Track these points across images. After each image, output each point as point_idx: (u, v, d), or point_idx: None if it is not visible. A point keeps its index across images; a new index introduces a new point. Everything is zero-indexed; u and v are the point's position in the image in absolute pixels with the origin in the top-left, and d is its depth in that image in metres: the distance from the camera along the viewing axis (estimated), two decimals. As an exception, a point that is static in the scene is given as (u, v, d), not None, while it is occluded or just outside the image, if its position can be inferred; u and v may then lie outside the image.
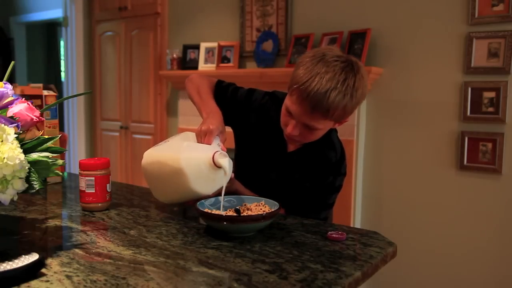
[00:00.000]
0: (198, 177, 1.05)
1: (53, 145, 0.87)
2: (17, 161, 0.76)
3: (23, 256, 0.74)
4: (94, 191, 1.15)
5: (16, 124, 0.83)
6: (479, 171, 2.30)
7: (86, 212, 1.16)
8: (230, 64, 3.14)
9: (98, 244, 0.91)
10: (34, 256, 0.74)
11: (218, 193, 1.11)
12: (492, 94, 2.24)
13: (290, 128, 1.18)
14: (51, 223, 1.07)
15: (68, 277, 0.74)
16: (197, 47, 3.33)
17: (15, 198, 0.80)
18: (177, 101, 3.49)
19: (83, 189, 1.15)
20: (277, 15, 2.97)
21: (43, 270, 0.76)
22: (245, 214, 1.03)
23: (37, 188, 0.81)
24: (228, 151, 1.12)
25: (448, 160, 2.39)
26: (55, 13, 4.82)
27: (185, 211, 1.21)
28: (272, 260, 0.83)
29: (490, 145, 2.26)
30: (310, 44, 2.74)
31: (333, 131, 1.30)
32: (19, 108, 0.88)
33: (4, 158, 0.75)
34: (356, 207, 2.64)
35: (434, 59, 2.40)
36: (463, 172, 2.34)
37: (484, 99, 2.26)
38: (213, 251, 0.87)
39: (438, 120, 2.40)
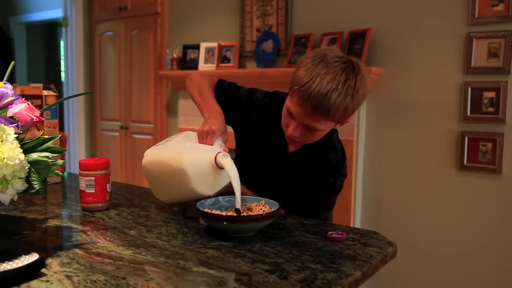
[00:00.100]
0: (200, 177, 1.05)
1: (53, 145, 0.87)
2: (17, 161, 0.76)
3: (23, 256, 0.74)
4: (94, 191, 1.15)
5: (16, 124, 0.83)
6: (479, 171, 2.30)
7: (86, 212, 1.16)
8: (230, 64, 3.14)
9: (98, 244, 0.91)
10: (34, 256, 0.74)
11: (218, 193, 1.11)
12: (492, 94, 2.24)
13: (291, 129, 1.18)
14: (51, 223, 1.07)
15: (68, 277, 0.74)
16: (197, 47, 3.33)
17: (15, 198, 0.80)
18: (177, 101, 3.49)
19: (83, 189, 1.15)
20: (277, 15, 2.97)
21: (43, 270, 0.76)
22: (245, 214, 1.03)
23: (37, 188, 0.81)
24: (229, 151, 1.12)
25: (448, 160, 2.39)
26: (55, 13, 4.82)
27: (185, 211, 1.21)
28: (272, 260, 0.83)
29: (490, 145, 2.26)
30: (310, 44, 2.74)
31: (333, 132, 1.30)
32: (19, 108, 0.88)
33: (4, 158, 0.75)
34: (356, 207, 2.64)
35: (434, 59, 2.40)
36: (463, 172, 2.35)
37: (484, 99, 2.26)
38: (213, 251, 0.87)
39: (438, 120, 2.40)
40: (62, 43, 5.50)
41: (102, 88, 4.18)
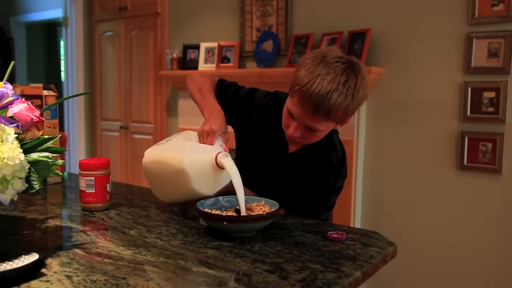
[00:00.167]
0: (201, 177, 1.05)
1: (53, 145, 0.87)
2: (17, 161, 0.76)
3: (23, 256, 0.74)
4: (94, 191, 1.15)
5: (16, 124, 0.83)
6: (479, 171, 2.30)
7: (86, 212, 1.16)
8: (230, 64, 3.14)
9: (98, 244, 0.91)
10: (34, 256, 0.74)
11: (219, 193, 1.11)
12: (492, 94, 2.24)
13: (291, 130, 1.18)
14: (51, 223, 1.07)
15: (68, 277, 0.74)
16: (197, 47, 3.33)
17: (15, 198, 0.80)
18: (177, 101, 3.49)
19: (83, 189, 1.15)
20: (277, 15, 2.97)
21: (43, 270, 0.76)
22: (245, 214, 1.03)
23: (37, 188, 0.81)
24: (230, 151, 1.12)
25: (448, 160, 2.39)
26: (55, 13, 4.82)
27: (185, 211, 1.21)
28: (272, 260, 0.83)
29: (490, 145, 2.26)
30: (310, 44, 2.74)
31: (334, 133, 1.29)
32: (19, 108, 0.88)
33: (4, 158, 0.75)
34: (356, 207, 2.64)
35: (434, 59, 2.40)
36: (463, 172, 2.35)
37: (484, 99, 2.26)
38: (213, 251, 0.87)
39: (438, 120, 2.41)
40: (62, 43, 5.50)
41: (102, 88, 4.18)
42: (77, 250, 0.87)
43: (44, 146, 0.86)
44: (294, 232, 1.01)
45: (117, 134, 4.04)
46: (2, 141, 0.77)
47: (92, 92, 4.23)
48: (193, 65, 3.32)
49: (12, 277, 0.71)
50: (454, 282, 2.40)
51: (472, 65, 2.28)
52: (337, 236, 0.96)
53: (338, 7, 2.71)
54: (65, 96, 3.70)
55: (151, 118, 3.74)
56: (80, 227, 1.04)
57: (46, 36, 6.38)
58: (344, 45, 2.61)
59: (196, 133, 1.16)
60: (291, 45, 2.83)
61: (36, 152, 0.84)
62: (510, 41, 2.18)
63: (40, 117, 0.91)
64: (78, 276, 0.74)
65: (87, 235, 0.97)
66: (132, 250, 0.87)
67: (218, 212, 1.05)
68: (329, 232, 0.98)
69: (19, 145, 0.80)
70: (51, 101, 1.48)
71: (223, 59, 3.18)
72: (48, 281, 0.72)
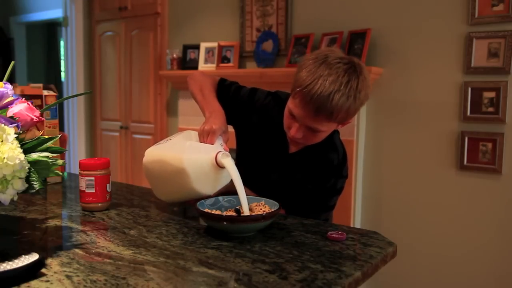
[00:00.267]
0: (201, 177, 1.05)
1: (53, 145, 0.87)
2: (17, 161, 0.76)
3: (23, 256, 0.74)
4: (94, 191, 1.15)
5: (16, 124, 0.83)
6: (479, 171, 2.30)
7: (86, 212, 1.16)
8: (230, 64, 3.14)
9: (98, 244, 0.91)
10: (34, 256, 0.74)
11: (219, 193, 1.11)
12: (492, 94, 2.24)
13: (293, 131, 1.18)
14: (51, 223, 1.07)
15: (68, 277, 0.74)
16: (197, 47, 3.33)
17: (15, 198, 0.80)
18: (177, 101, 3.49)
19: (83, 189, 1.15)
20: (277, 15, 2.97)
21: (43, 270, 0.76)
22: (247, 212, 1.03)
23: (37, 188, 0.81)
24: (230, 151, 1.12)
25: (448, 160, 2.39)
26: (55, 13, 4.82)
27: (185, 211, 1.21)
28: (272, 260, 0.83)
29: (490, 145, 2.26)
30: (310, 44, 2.74)
31: (335, 133, 1.29)
32: (19, 108, 0.88)
33: (4, 158, 0.75)
34: (356, 207, 2.64)
35: (434, 59, 2.40)
36: (463, 172, 2.34)
37: (484, 99, 2.26)
38: (213, 251, 0.87)
39: (438, 120, 2.40)
40: (62, 43, 5.50)
41: (102, 88, 4.18)
42: (77, 250, 0.87)
43: (44, 146, 0.86)
44: (294, 232, 1.01)
45: (117, 134, 4.04)
46: (2, 141, 0.77)
47: (92, 92, 4.23)
48: (193, 65, 3.32)
49: (12, 277, 0.71)
50: (454, 282, 2.40)
51: (472, 65, 2.28)
52: (337, 236, 0.96)
53: (338, 7, 2.71)
54: (65, 96, 3.70)
55: (151, 118, 3.74)
56: (80, 227, 1.04)
57: (46, 36, 6.38)
58: (344, 45, 2.61)
59: (196, 132, 1.16)
60: (291, 45, 2.83)
61: (36, 152, 0.84)
62: (510, 41, 2.18)
63: (40, 117, 0.91)
64: (78, 276, 0.74)
65: (87, 235, 0.97)
66: (132, 250, 0.87)
67: (218, 212, 1.05)
68: (329, 232, 0.98)
69: (19, 145, 0.80)
70: (51, 101, 1.48)
71: (223, 59, 3.18)
72: (48, 281, 0.72)
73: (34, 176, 0.81)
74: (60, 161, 0.85)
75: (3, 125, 0.79)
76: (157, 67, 3.66)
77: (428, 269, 2.47)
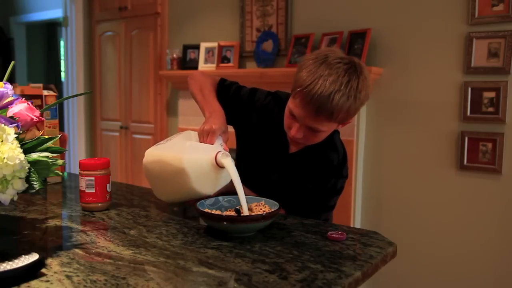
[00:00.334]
0: (200, 177, 1.05)
1: (53, 145, 0.87)
2: (17, 161, 0.76)
3: (23, 256, 0.74)
4: (94, 191, 1.15)
5: (16, 124, 0.83)
6: (479, 171, 2.30)
7: (86, 212, 1.16)
8: (230, 64, 3.14)
9: (98, 244, 0.91)
10: (34, 256, 0.74)
11: (219, 193, 1.11)
12: (492, 94, 2.24)
13: (294, 131, 1.18)
14: (51, 223, 1.07)
15: (68, 277, 0.74)
16: (197, 47, 3.33)
17: (15, 198, 0.80)
18: (177, 101, 3.49)
19: (83, 189, 1.15)
20: (277, 15, 2.97)
21: (43, 270, 0.76)
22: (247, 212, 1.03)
23: (37, 188, 0.81)
24: (230, 151, 1.12)
25: (448, 160, 2.39)
26: (55, 13, 4.82)
27: (185, 211, 1.21)
28: (272, 260, 0.83)
29: (490, 145, 2.26)
30: (310, 44, 2.74)
31: (335, 133, 1.29)
32: (19, 108, 0.88)
33: (4, 158, 0.75)
34: (356, 207, 2.64)
35: (434, 59, 2.40)
36: (463, 172, 2.35)
37: (484, 99, 2.26)
38: (213, 251, 0.87)
39: (438, 120, 2.40)
40: (62, 43, 5.50)
41: (102, 88, 4.18)
42: (77, 250, 0.87)
43: (44, 146, 0.86)
44: (294, 232, 1.01)
45: (117, 134, 4.04)
46: (2, 141, 0.77)
47: (92, 92, 4.23)
48: (193, 65, 3.32)
49: (12, 277, 0.71)
50: (454, 282, 2.40)
51: (472, 65, 2.28)
52: (337, 236, 0.96)
53: (338, 7, 2.71)
54: (65, 96, 3.70)
55: (151, 118, 3.74)
56: (80, 227, 1.04)
57: (46, 36, 6.38)
58: (344, 45, 2.61)
59: (196, 133, 1.16)
60: (291, 45, 2.83)
61: (36, 152, 0.84)
62: (510, 41, 2.18)
63: (40, 117, 0.91)
64: (78, 276, 0.74)
65: (87, 235, 0.97)
66: (132, 250, 0.87)
67: (218, 212, 1.05)
68: (329, 232, 0.98)
69: (19, 145, 0.80)
70: (51, 101, 1.48)
71: (223, 59, 3.18)
72: (48, 281, 0.72)
73: (34, 176, 0.81)
74: (60, 161, 0.85)
75: (3, 125, 0.79)
76: (157, 67, 3.66)
77: (428, 269, 2.47)
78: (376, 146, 2.62)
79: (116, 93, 4.03)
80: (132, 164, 3.90)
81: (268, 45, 2.96)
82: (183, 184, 1.06)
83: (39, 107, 1.37)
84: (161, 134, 3.67)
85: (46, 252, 0.86)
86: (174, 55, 3.41)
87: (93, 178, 1.15)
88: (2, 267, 0.70)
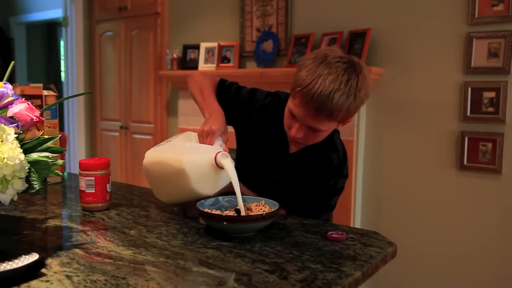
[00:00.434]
0: (200, 178, 1.05)
1: (53, 145, 0.87)
2: (17, 161, 0.76)
3: (23, 256, 0.74)
4: (94, 191, 1.15)
5: (16, 124, 0.83)
6: (479, 171, 2.30)
7: (86, 212, 1.16)
8: (230, 64, 3.14)
9: (98, 244, 0.91)
10: (34, 256, 0.74)
11: (219, 193, 1.11)
12: (492, 94, 2.24)
13: (294, 131, 1.18)
14: (51, 223, 1.07)
15: (68, 277, 0.74)
16: (197, 47, 3.33)
17: (15, 198, 0.80)
18: (177, 101, 3.49)
19: (83, 189, 1.15)
20: (277, 15, 2.97)
21: (43, 270, 0.76)
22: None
23: (37, 188, 0.81)
24: (230, 151, 1.12)
25: (448, 160, 2.39)
26: (55, 13, 4.82)
27: (185, 211, 1.21)
28: (272, 260, 0.83)
29: (490, 145, 2.26)
30: (310, 44, 2.74)
31: (335, 133, 1.29)
32: (19, 108, 0.88)
33: (4, 158, 0.75)
34: (356, 207, 2.64)
35: (434, 59, 2.40)
36: (463, 172, 2.34)
37: (484, 99, 2.26)
38: (213, 251, 0.87)
39: (438, 120, 2.40)
40: (62, 43, 5.50)
41: (102, 88, 4.18)
42: (77, 250, 0.87)
43: (44, 146, 0.86)
44: (294, 232, 1.01)
45: (117, 134, 4.04)
46: (2, 141, 0.77)
47: (92, 92, 4.23)
48: (193, 65, 3.32)
49: (12, 277, 0.71)
50: (454, 282, 2.40)
51: (472, 65, 2.28)
52: (337, 236, 0.96)
53: (338, 7, 2.71)
54: (65, 96, 3.70)
55: (151, 118, 3.74)
56: (80, 227, 1.04)
57: (46, 36, 6.38)
58: (344, 45, 2.61)
59: (196, 133, 1.16)
60: (291, 45, 2.83)
61: (36, 152, 0.84)
62: (510, 41, 2.18)
63: (40, 117, 0.91)
64: (78, 276, 0.74)
65: (87, 235, 0.97)
66: (132, 250, 0.87)
67: (218, 212, 1.05)
68: (329, 232, 0.98)
69: (19, 145, 0.80)
70: (51, 101, 1.48)
71: (223, 59, 3.18)
72: (48, 281, 0.72)
73: (34, 176, 0.81)
74: (60, 161, 0.85)
75: (3, 125, 0.79)
76: (157, 67, 3.66)
77: (428, 269, 2.47)
78: (376, 146, 2.62)
79: (116, 93, 4.03)
80: (132, 164, 3.90)
81: (268, 45, 2.96)
82: (183, 185, 1.06)
83: (39, 107, 1.37)
84: (161, 134, 3.67)
85: (46, 252, 0.86)
86: (174, 55, 3.41)
87: (93, 178, 1.15)
88: (2, 267, 0.70)
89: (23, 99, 0.91)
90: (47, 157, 0.84)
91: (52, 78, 6.27)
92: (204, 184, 1.07)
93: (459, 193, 2.36)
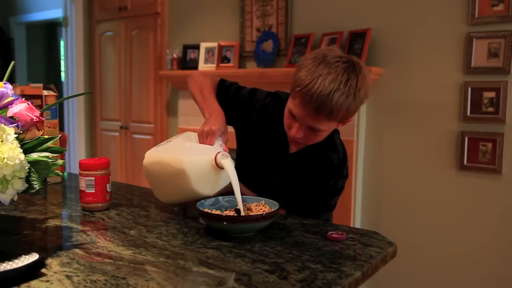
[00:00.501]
0: (200, 178, 1.05)
1: (53, 145, 0.87)
2: (17, 161, 0.76)
3: (23, 256, 0.74)
4: (94, 191, 1.15)
5: (16, 124, 0.83)
6: (479, 171, 2.30)
7: (86, 212, 1.16)
8: (230, 64, 3.14)
9: (98, 244, 0.91)
10: (34, 256, 0.74)
11: (219, 194, 1.11)
12: (492, 94, 2.24)
13: (294, 131, 1.18)
14: (51, 223, 1.07)
15: (68, 277, 0.74)
16: (197, 47, 3.33)
17: (15, 198, 0.80)
18: (177, 101, 3.49)
19: (83, 189, 1.15)
20: (277, 15, 2.97)
21: (43, 270, 0.76)
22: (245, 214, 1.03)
23: (37, 188, 0.81)
24: (230, 151, 1.12)
25: (448, 160, 2.39)
26: (55, 13, 4.82)
27: (185, 211, 1.21)
28: (272, 260, 0.83)
29: (490, 145, 2.26)
30: (310, 44, 2.74)
31: (335, 133, 1.30)
32: (19, 108, 0.88)
33: (4, 158, 0.75)
34: (356, 207, 2.64)
35: (434, 59, 2.40)
36: (463, 172, 2.34)
37: (484, 99, 2.26)
38: (213, 251, 0.87)
39: (438, 120, 2.40)
40: (62, 43, 5.50)
41: (102, 88, 4.18)
42: (77, 250, 0.87)
43: (44, 146, 0.86)
44: (294, 232, 1.01)
45: (117, 134, 4.04)
46: (2, 141, 0.77)
47: (92, 92, 4.23)
48: (193, 65, 3.32)
49: (12, 277, 0.71)
50: (454, 282, 2.40)
51: (472, 65, 2.28)
52: (337, 236, 0.96)
53: (338, 7, 2.71)
54: (65, 96, 3.70)
55: (151, 118, 3.74)
56: (80, 227, 1.04)
57: (46, 36, 6.38)
58: (344, 45, 2.61)
59: (196, 134, 1.16)
60: (291, 45, 2.83)
61: (36, 152, 0.84)
62: (510, 41, 2.18)
63: (40, 117, 0.91)
64: (78, 276, 0.74)
65: (87, 235, 0.97)
66: (132, 250, 0.87)
67: (218, 212, 1.05)
68: (329, 232, 0.98)
69: (19, 145, 0.80)
70: (51, 101, 1.48)
71: (223, 59, 3.18)
72: (48, 281, 0.72)
73: (34, 176, 0.81)
74: (60, 161, 0.85)
75: (3, 125, 0.79)
76: (157, 67, 3.66)
77: (428, 269, 2.47)
78: (376, 146, 2.62)
79: (116, 93, 4.03)
80: (132, 164, 3.90)
81: (268, 45, 2.96)
82: (183, 185, 1.06)
83: (39, 107, 1.37)
84: (161, 134, 3.67)
85: (46, 252, 0.86)
86: (174, 55, 3.41)
87: (93, 178, 1.15)
88: (2, 267, 0.70)
89: (23, 99, 0.91)
90: (47, 157, 0.84)
91: (52, 78, 6.27)
92: (204, 184, 1.07)
93: (459, 193, 2.36)
